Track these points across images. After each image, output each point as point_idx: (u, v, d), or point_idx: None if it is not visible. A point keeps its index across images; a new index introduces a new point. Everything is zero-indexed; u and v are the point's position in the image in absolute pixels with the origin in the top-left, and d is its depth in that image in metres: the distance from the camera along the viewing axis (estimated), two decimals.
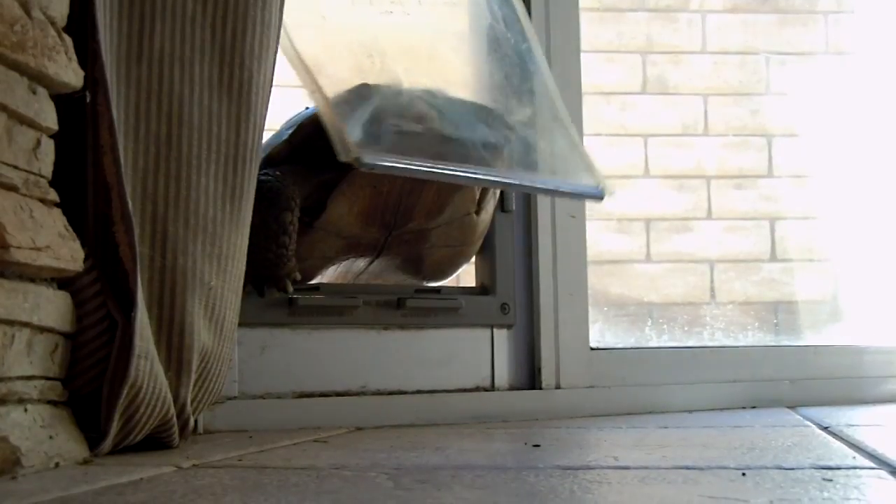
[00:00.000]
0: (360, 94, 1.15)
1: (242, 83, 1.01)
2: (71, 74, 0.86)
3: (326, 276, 1.37)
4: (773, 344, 1.86)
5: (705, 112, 2.06)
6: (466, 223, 1.32)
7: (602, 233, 1.99)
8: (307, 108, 1.28)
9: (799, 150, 2.07)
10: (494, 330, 1.39)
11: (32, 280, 0.82)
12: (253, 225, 1.07)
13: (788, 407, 1.51)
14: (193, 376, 0.98)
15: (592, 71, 1.94)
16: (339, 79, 1.16)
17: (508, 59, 1.31)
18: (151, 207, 0.94)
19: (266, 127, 1.07)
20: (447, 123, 1.18)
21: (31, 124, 0.82)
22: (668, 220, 2.03)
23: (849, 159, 2.04)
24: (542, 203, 1.43)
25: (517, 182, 1.25)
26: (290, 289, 1.23)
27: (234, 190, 1.01)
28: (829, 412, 1.39)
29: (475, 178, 1.21)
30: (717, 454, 0.91)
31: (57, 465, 0.82)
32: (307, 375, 1.27)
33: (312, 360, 1.28)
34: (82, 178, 0.92)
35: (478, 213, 1.32)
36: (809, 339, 1.99)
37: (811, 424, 1.21)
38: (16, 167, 0.80)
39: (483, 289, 1.42)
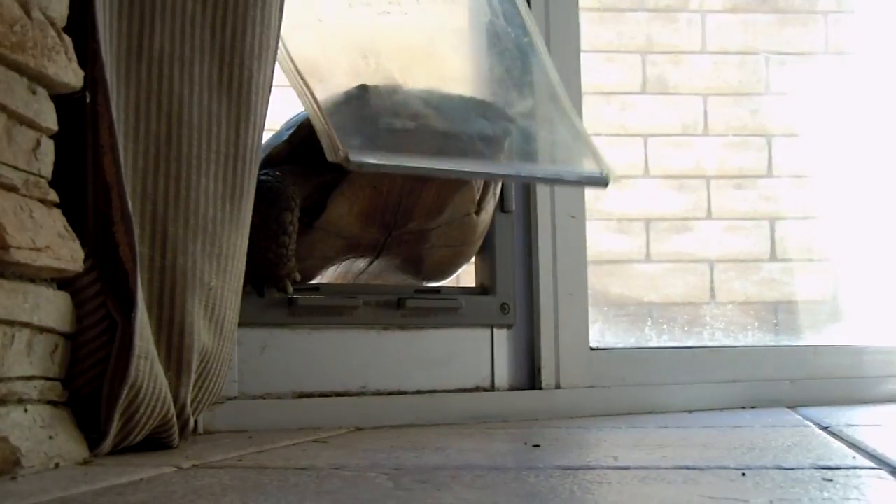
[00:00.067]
0: (354, 95, 1.15)
1: (242, 83, 1.01)
2: (71, 75, 0.86)
3: (326, 276, 1.37)
4: (772, 344, 1.86)
5: (705, 112, 2.06)
6: (466, 223, 1.32)
7: (602, 233, 1.99)
8: None
9: (799, 150, 2.07)
10: (494, 330, 1.39)
11: (32, 280, 0.82)
12: (253, 225, 1.07)
13: (788, 407, 1.51)
14: (193, 376, 0.98)
15: (592, 71, 1.94)
16: (331, 81, 1.16)
17: (509, 53, 1.31)
18: (151, 207, 0.94)
19: (266, 127, 1.07)
20: (443, 119, 1.18)
21: (31, 125, 0.82)
22: (667, 220, 2.03)
23: (849, 159, 2.04)
24: (542, 203, 1.43)
25: (516, 173, 1.25)
26: (290, 289, 1.23)
27: (234, 190, 1.01)
28: (829, 412, 1.39)
29: (472, 172, 1.21)
30: (717, 454, 0.91)
31: (57, 465, 0.82)
32: (307, 375, 1.27)
33: (312, 361, 1.28)
34: (82, 178, 0.92)
35: (478, 213, 1.32)
36: (809, 339, 1.99)
37: (811, 424, 1.21)
38: (16, 167, 0.80)
39: (483, 289, 1.42)
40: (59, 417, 0.86)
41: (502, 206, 1.41)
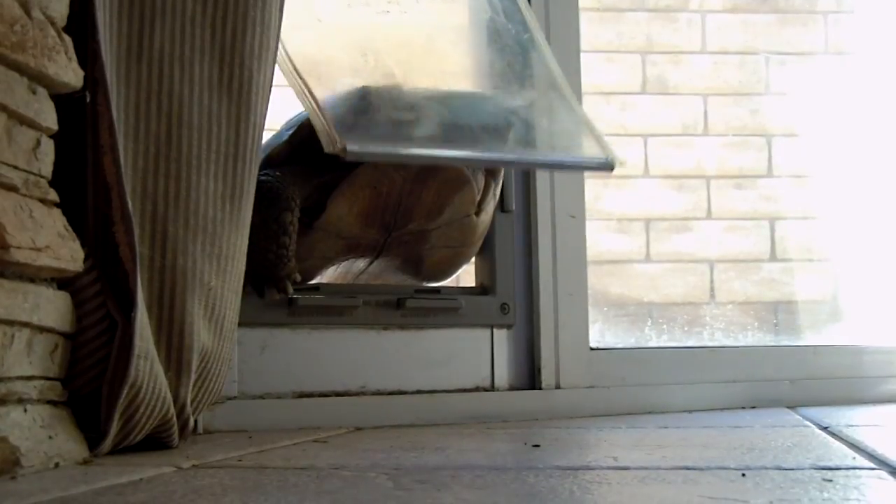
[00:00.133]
0: (354, 93, 1.15)
1: (242, 83, 1.01)
2: (71, 74, 0.86)
3: (326, 276, 1.37)
4: (772, 344, 1.86)
5: (705, 112, 2.06)
6: (466, 224, 1.31)
7: (602, 233, 1.99)
8: None
9: (799, 150, 2.07)
10: (494, 330, 1.39)
11: (32, 280, 0.82)
12: (253, 225, 1.07)
13: (788, 407, 1.51)
14: (193, 376, 0.98)
15: (592, 71, 1.94)
16: (330, 77, 1.16)
17: (510, 48, 1.31)
18: (151, 207, 0.94)
19: (266, 127, 1.07)
20: (443, 109, 1.18)
21: (31, 124, 0.82)
22: (667, 220, 2.03)
23: (849, 159, 2.04)
24: (542, 203, 1.43)
25: (518, 159, 1.25)
26: (291, 290, 1.23)
27: (234, 190, 1.01)
28: (829, 412, 1.39)
29: (474, 159, 1.21)
30: (717, 454, 0.91)
31: (57, 465, 0.82)
32: (307, 375, 1.27)
33: (312, 360, 1.28)
34: (82, 178, 0.92)
35: (477, 214, 1.32)
36: (809, 339, 1.99)
37: (811, 424, 1.21)
38: (16, 167, 0.80)
39: (483, 289, 1.42)
40: (58, 417, 0.86)
41: (502, 205, 1.41)
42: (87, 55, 0.89)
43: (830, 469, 0.80)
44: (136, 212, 0.92)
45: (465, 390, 1.36)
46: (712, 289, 2.01)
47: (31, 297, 0.81)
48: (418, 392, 1.33)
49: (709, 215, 2.04)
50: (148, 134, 0.95)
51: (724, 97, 2.07)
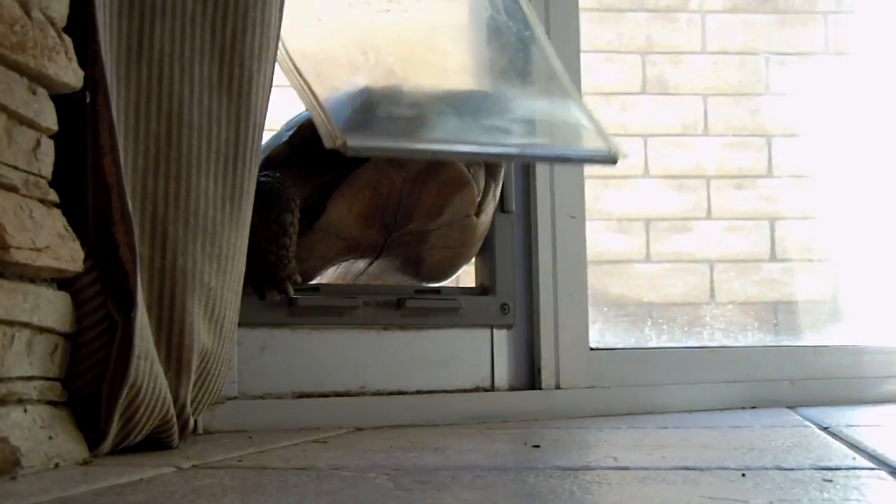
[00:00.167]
0: (353, 90, 1.15)
1: (242, 83, 1.01)
2: (71, 75, 0.86)
3: (326, 276, 1.37)
4: (772, 344, 1.86)
5: (705, 112, 2.06)
6: (466, 225, 1.31)
7: (602, 233, 1.99)
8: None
9: (799, 150, 2.07)
10: (494, 330, 1.39)
11: (32, 280, 0.82)
12: (253, 226, 1.07)
13: (788, 407, 1.51)
14: (193, 377, 0.98)
15: (592, 71, 1.94)
16: (330, 74, 1.16)
17: (511, 45, 1.31)
18: (151, 208, 0.94)
19: (266, 127, 1.07)
20: (444, 106, 1.18)
21: (31, 125, 0.82)
22: (667, 220, 2.03)
23: (849, 159, 2.04)
24: (542, 203, 1.43)
25: (521, 153, 1.25)
26: (291, 291, 1.23)
27: (234, 190, 1.01)
28: (828, 412, 1.39)
29: (476, 153, 1.21)
30: (717, 454, 0.91)
31: (57, 465, 0.82)
32: (307, 376, 1.27)
33: (312, 361, 1.28)
34: (82, 179, 0.92)
35: (477, 214, 1.32)
36: (809, 339, 1.99)
37: (811, 425, 1.21)
38: (16, 168, 0.80)
39: (483, 289, 1.42)
40: (58, 417, 0.86)
41: (502, 206, 1.41)
42: (87, 55, 0.89)
43: (830, 469, 0.80)
44: (136, 212, 0.92)
45: (464, 390, 1.36)
46: (712, 289, 2.01)
47: (31, 298, 0.81)
48: (418, 392, 1.33)
49: (709, 215, 2.04)
50: (148, 134, 0.95)
51: (723, 97, 2.07)
